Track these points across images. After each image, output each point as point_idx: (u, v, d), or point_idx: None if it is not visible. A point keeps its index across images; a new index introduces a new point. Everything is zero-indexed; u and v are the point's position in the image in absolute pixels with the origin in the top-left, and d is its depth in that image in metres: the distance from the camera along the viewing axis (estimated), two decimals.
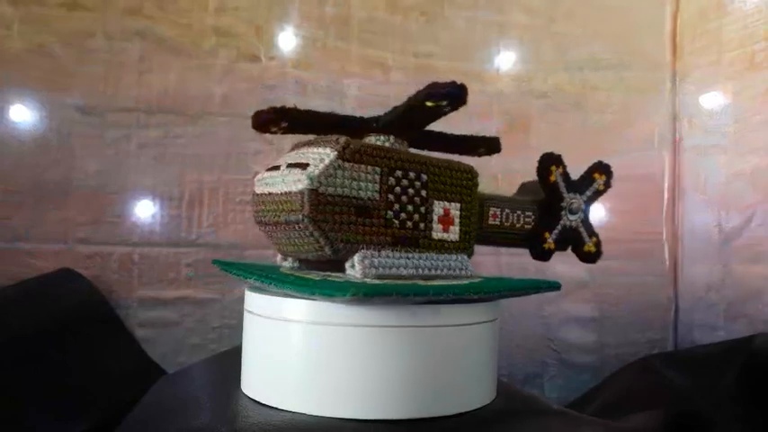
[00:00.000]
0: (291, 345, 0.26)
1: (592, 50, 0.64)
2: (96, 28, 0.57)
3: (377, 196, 0.28)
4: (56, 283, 0.53)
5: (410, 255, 0.29)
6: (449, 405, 0.26)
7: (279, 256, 0.32)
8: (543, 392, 0.62)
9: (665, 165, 0.63)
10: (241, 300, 0.30)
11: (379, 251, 0.28)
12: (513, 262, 0.62)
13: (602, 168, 0.38)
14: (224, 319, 0.58)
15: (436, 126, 0.32)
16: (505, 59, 0.64)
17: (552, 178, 0.35)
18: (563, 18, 0.64)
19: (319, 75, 0.61)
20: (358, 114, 0.31)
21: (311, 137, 0.30)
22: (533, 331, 0.62)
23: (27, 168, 0.56)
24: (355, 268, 0.27)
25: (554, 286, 0.30)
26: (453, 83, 0.27)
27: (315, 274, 0.28)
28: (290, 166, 0.27)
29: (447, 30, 0.63)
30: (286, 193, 0.27)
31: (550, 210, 0.35)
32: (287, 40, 0.61)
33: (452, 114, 0.29)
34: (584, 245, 0.37)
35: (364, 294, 0.23)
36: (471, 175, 0.32)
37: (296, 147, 0.29)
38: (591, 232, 0.37)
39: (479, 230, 0.33)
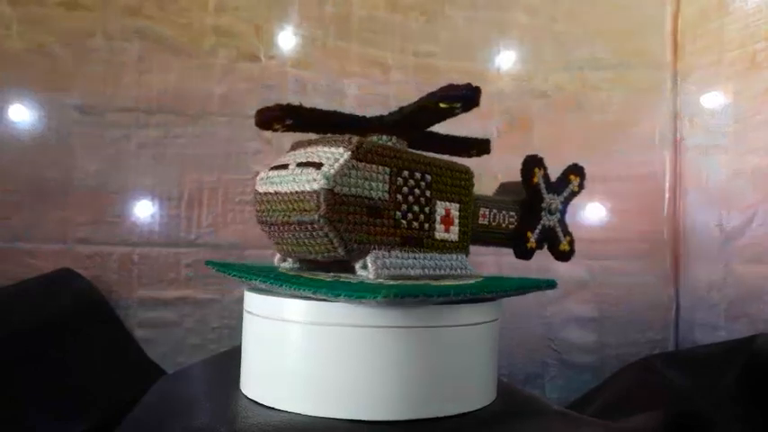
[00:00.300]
0: (291, 345, 0.26)
1: (592, 50, 0.64)
2: (96, 28, 0.57)
3: (387, 196, 0.28)
4: (56, 283, 0.53)
5: (416, 255, 0.30)
6: (449, 405, 0.26)
7: (277, 257, 0.31)
8: (544, 393, 0.61)
9: (666, 164, 0.63)
10: (241, 300, 0.30)
11: (389, 251, 0.28)
12: (514, 262, 0.62)
13: (576, 170, 0.39)
14: (224, 320, 0.58)
15: (434, 126, 0.32)
16: (506, 59, 0.64)
17: (535, 180, 0.36)
18: (564, 17, 0.64)
19: (319, 74, 0.61)
20: (357, 114, 0.31)
21: (310, 136, 0.30)
22: (534, 331, 0.62)
23: (27, 168, 0.56)
24: (368, 269, 0.27)
25: (551, 284, 0.31)
26: (469, 85, 0.27)
27: (323, 275, 0.28)
28: (300, 165, 0.27)
29: (447, 29, 0.63)
30: (299, 192, 0.26)
31: (532, 210, 0.36)
32: (287, 40, 0.61)
33: None
34: (559, 244, 0.38)
35: (395, 295, 0.22)
36: (468, 175, 0.33)
37: (298, 146, 0.29)
38: (566, 232, 0.38)
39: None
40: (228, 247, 0.58)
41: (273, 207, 0.27)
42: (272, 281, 0.26)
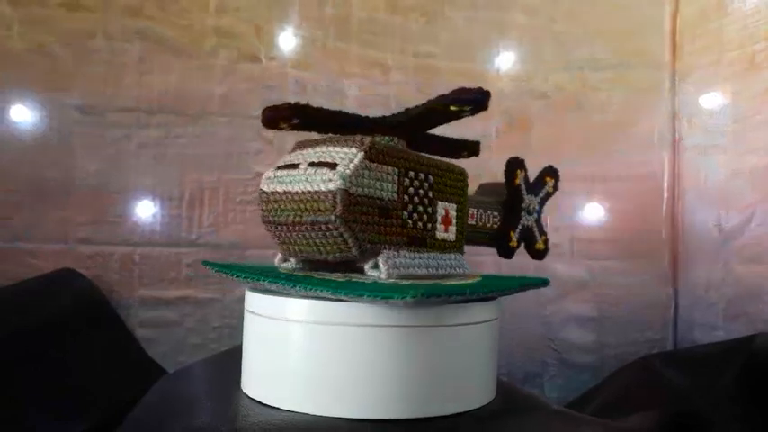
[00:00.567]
0: (291, 345, 0.26)
1: (592, 50, 0.64)
2: (96, 28, 0.57)
3: (395, 197, 0.28)
4: (56, 283, 0.53)
5: (422, 255, 0.30)
6: (448, 405, 0.26)
7: (278, 257, 0.31)
8: (543, 392, 0.62)
9: (664, 164, 0.63)
10: (241, 300, 0.30)
11: (397, 251, 0.28)
12: (513, 261, 0.62)
13: (551, 173, 0.40)
14: (224, 319, 0.58)
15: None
16: (505, 59, 0.64)
17: (517, 181, 0.37)
18: (563, 18, 0.64)
19: (319, 75, 0.61)
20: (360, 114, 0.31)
21: (308, 135, 0.30)
22: (533, 331, 0.62)
23: (28, 168, 0.56)
24: (380, 269, 0.27)
25: (545, 282, 0.32)
26: (480, 89, 0.28)
27: (330, 275, 0.28)
28: (312, 164, 0.27)
29: (447, 30, 0.63)
30: (313, 192, 0.26)
31: (513, 210, 0.37)
32: (287, 41, 0.61)
33: None
34: (536, 243, 0.39)
35: (422, 295, 0.23)
36: (463, 176, 0.33)
37: (304, 145, 0.29)
38: (541, 231, 0.39)
39: None
40: (229, 247, 0.58)
41: (283, 207, 0.27)
42: (284, 281, 0.26)
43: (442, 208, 0.31)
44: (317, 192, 0.26)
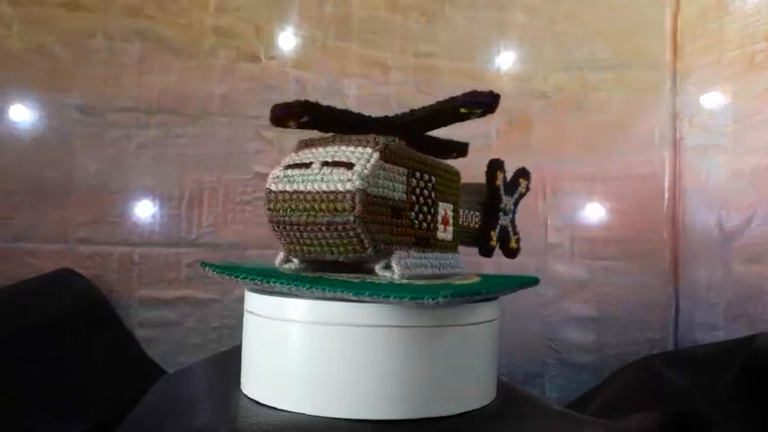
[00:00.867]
0: (291, 345, 0.26)
1: (592, 50, 0.64)
2: (96, 28, 0.57)
3: (404, 197, 0.28)
4: (56, 283, 0.53)
5: (427, 254, 0.30)
6: (449, 405, 0.26)
7: (279, 258, 0.31)
8: (543, 392, 0.62)
9: (665, 164, 0.63)
10: (241, 300, 0.30)
11: (407, 252, 0.29)
12: (513, 261, 0.62)
13: (524, 174, 0.40)
14: (224, 319, 0.58)
15: None
16: (506, 59, 0.64)
17: (497, 182, 0.38)
18: (563, 18, 0.64)
19: (319, 75, 0.61)
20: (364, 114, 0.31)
21: (311, 134, 0.30)
22: (533, 331, 0.62)
23: (28, 168, 0.56)
24: (393, 269, 0.27)
25: (536, 281, 0.33)
26: (491, 92, 0.28)
27: (347, 276, 0.28)
28: (326, 164, 0.26)
29: (447, 30, 0.63)
30: (329, 192, 0.26)
31: (492, 210, 0.38)
32: (287, 40, 0.61)
33: None
34: (509, 242, 0.40)
35: (452, 296, 0.23)
36: (458, 177, 0.34)
37: (311, 144, 0.29)
38: (515, 231, 0.40)
39: None
40: (229, 247, 0.58)
41: (293, 206, 0.27)
42: (297, 283, 0.25)
43: (442, 208, 0.32)
44: (333, 192, 0.25)
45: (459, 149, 0.36)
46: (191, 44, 0.58)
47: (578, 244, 0.63)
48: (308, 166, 0.27)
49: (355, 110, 0.30)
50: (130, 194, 0.57)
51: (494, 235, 0.37)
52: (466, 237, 0.37)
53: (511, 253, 0.40)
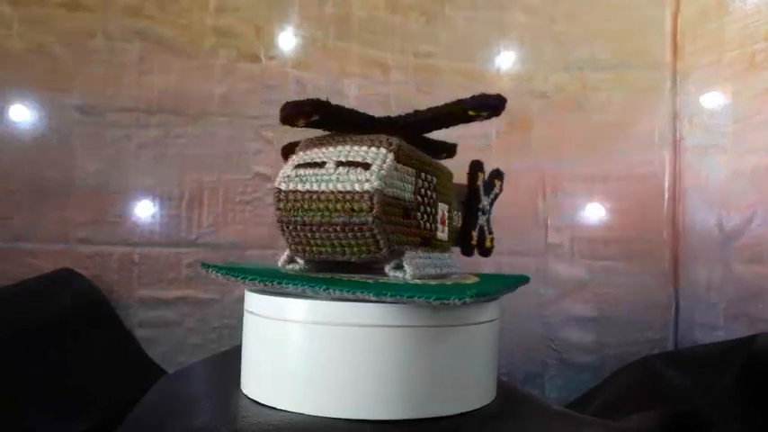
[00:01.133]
0: (291, 345, 0.26)
1: (592, 50, 0.64)
2: (96, 28, 0.57)
3: (413, 198, 0.29)
4: (56, 283, 0.53)
5: (430, 254, 0.30)
6: (449, 405, 0.26)
7: (283, 258, 0.30)
8: (543, 392, 0.62)
9: (665, 164, 0.63)
10: (241, 300, 0.30)
11: (416, 251, 0.29)
12: (513, 261, 0.62)
13: (499, 175, 0.41)
14: (224, 319, 0.58)
15: None
16: (506, 59, 0.64)
17: (478, 183, 0.38)
18: (563, 18, 0.64)
19: (319, 75, 0.61)
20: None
21: (315, 132, 0.30)
22: (533, 331, 0.62)
23: (27, 168, 0.56)
24: (405, 269, 0.27)
25: (527, 279, 0.34)
26: (499, 96, 0.28)
27: (358, 277, 0.28)
28: (341, 164, 0.26)
29: (447, 30, 0.63)
30: (345, 192, 0.25)
31: (471, 210, 0.38)
32: (287, 40, 0.61)
33: None
34: (485, 241, 0.40)
35: (476, 296, 0.23)
36: (452, 177, 0.34)
37: (320, 144, 0.28)
38: (490, 230, 0.41)
39: None
40: (229, 247, 0.58)
41: (306, 206, 0.26)
42: (313, 285, 0.25)
43: (440, 209, 0.32)
44: (350, 192, 0.25)
45: (449, 150, 0.36)
46: (191, 44, 0.58)
47: (578, 244, 0.63)
48: (321, 165, 0.27)
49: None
50: (130, 194, 0.57)
51: (474, 235, 0.38)
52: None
53: (486, 252, 0.40)
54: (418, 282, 0.27)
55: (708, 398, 0.42)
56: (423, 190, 0.29)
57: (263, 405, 0.27)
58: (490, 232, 0.41)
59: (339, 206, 0.26)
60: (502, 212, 0.64)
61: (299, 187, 0.27)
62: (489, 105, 0.28)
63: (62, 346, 0.48)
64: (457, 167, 0.35)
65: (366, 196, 0.25)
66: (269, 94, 0.59)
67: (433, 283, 0.27)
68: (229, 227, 0.59)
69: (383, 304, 0.25)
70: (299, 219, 0.27)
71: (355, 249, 0.27)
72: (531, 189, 0.62)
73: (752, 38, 0.55)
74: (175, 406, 0.32)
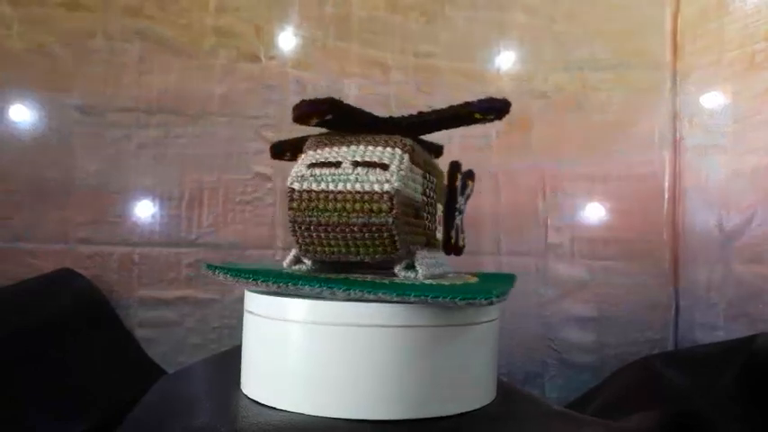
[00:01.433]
0: (291, 345, 0.26)
1: (592, 50, 0.64)
2: (96, 28, 0.57)
3: (421, 198, 0.29)
4: (56, 283, 0.53)
5: (433, 254, 0.31)
6: (449, 405, 0.26)
7: (289, 259, 0.30)
8: (543, 392, 0.62)
9: (665, 164, 0.63)
10: (241, 300, 0.30)
11: (424, 252, 0.29)
12: (513, 261, 0.62)
13: (471, 176, 0.41)
14: (224, 319, 0.58)
15: None
16: (506, 59, 0.64)
17: (456, 183, 0.38)
18: (563, 18, 0.64)
19: (319, 75, 0.61)
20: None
21: (316, 131, 0.30)
22: (533, 331, 0.62)
23: (27, 168, 0.56)
24: (417, 269, 0.28)
25: (514, 277, 0.35)
26: (504, 99, 0.28)
27: (377, 278, 0.28)
28: (357, 164, 0.26)
29: (447, 30, 0.63)
30: (365, 192, 0.25)
31: (450, 210, 0.38)
32: (287, 40, 0.61)
33: None
34: (459, 240, 0.40)
35: (502, 296, 0.23)
36: (443, 178, 0.35)
37: (331, 143, 0.28)
38: (462, 229, 0.41)
39: None
40: (229, 247, 0.58)
41: (323, 206, 0.26)
42: (332, 286, 0.25)
43: (437, 209, 0.32)
44: (369, 192, 0.25)
45: (437, 151, 0.36)
46: (191, 44, 0.58)
47: (578, 244, 0.63)
48: (336, 165, 0.27)
49: None
50: (130, 194, 0.57)
51: (453, 234, 0.38)
52: None
53: (459, 251, 0.41)
54: (432, 282, 0.27)
55: (708, 398, 0.42)
56: (427, 191, 0.30)
57: (263, 405, 0.27)
58: (462, 231, 0.41)
59: (358, 206, 0.25)
60: (502, 212, 0.64)
61: (314, 187, 0.26)
62: (496, 109, 0.28)
63: (62, 346, 0.48)
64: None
65: (386, 197, 0.25)
66: (269, 94, 0.59)
67: (445, 283, 0.27)
68: (229, 227, 0.59)
69: (382, 304, 0.25)
70: (313, 219, 0.26)
71: (371, 250, 0.27)
72: (531, 189, 0.62)
73: (752, 38, 0.55)
74: (175, 406, 0.32)
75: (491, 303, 0.23)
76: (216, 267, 0.29)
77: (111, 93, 0.57)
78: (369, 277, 0.28)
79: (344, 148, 0.27)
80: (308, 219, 0.26)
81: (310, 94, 0.27)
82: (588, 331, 0.62)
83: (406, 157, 0.27)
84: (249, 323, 0.29)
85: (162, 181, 0.58)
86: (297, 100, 0.27)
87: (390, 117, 0.30)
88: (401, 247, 0.26)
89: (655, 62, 0.64)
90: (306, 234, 0.27)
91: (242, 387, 0.29)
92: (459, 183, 0.38)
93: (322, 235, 0.27)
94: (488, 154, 0.61)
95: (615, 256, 0.62)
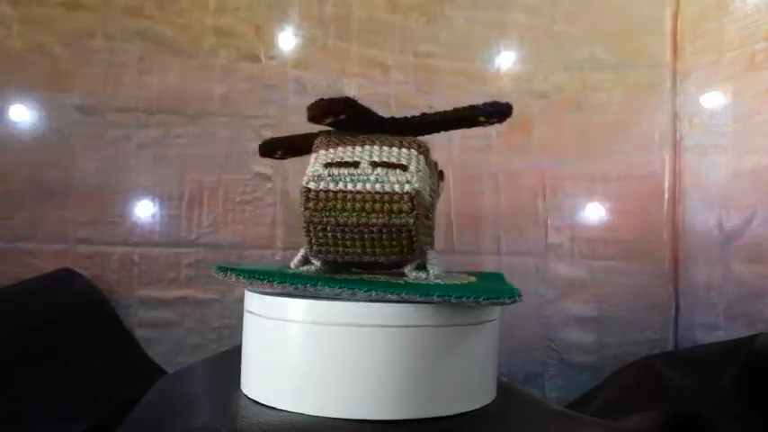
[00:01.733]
0: (291, 345, 0.26)
1: (592, 50, 0.64)
2: (96, 28, 0.57)
3: (430, 199, 0.29)
4: (56, 283, 0.53)
5: (436, 254, 0.31)
6: (449, 405, 0.26)
7: (296, 259, 0.30)
8: (543, 392, 0.62)
9: (665, 165, 0.63)
10: (241, 300, 0.30)
11: (433, 252, 0.29)
12: (513, 261, 0.62)
13: (441, 176, 0.41)
14: (224, 319, 0.58)
15: None
16: (505, 59, 0.64)
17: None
18: (563, 18, 0.64)
19: (319, 75, 0.61)
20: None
21: (314, 129, 0.30)
22: (533, 331, 0.62)
23: (27, 168, 0.56)
24: (429, 270, 0.28)
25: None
26: (508, 103, 0.29)
27: (393, 278, 0.28)
28: (375, 164, 0.26)
29: (447, 30, 0.63)
30: (385, 193, 0.25)
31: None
32: (287, 40, 0.61)
33: None
34: None
35: (520, 295, 0.24)
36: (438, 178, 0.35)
37: (344, 143, 0.28)
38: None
39: None
40: (229, 247, 0.58)
41: (341, 206, 0.26)
42: (354, 286, 0.25)
43: (433, 208, 0.32)
44: (389, 193, 0.25)
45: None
46: (191, 44, 0.58)
47: (578, 244, 0.63)
48: (355, 165, 0.26)
49: None
50: (130, 194, 0.57)
51: None
52: None
53: None
54: (448, 282, 0.27)
55: (708, 398, 0.42)
56: (432, 192, 0.30)
57: (263, 405, 0.27)
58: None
59: (377, 207, 0.25)
60: (502, 212, 0.64)
61: (332, 186, 0.26)
62: (500, 112, 0.29)
63: (62, 346, 0.48)
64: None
65: (406, 197, 0.25)
66: (269, 94, 0.59)
67: (457, 282, 0.27)
68: (229, 227, 0.59)
69: (383, 304, 0.25)
70: (331, 219, 0.26)
71: (387, 251, 0.27)
72: (531, 189, 0.62)
73: (752, 38, 0.55)
74: (175, 406, 0.32)
75: (514, 302, 0.23)
76: (228, 269, 0.28)
77: (111, 93, 0.57)
78: (382, 278, 0.28)
79: (359, 148, 0.27)
80: (324, 219, 0.26)
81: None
82: (588, 331, 0.62)
83: (422, 158, 0.27)
84: (249, 323, 0.29)
85: (162, 181, 0.58)
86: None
87: (393, 117, 0.30)
88: (417, 248, 0.27)
89: (655, 62, 0.64)
90: (321, 235, 0.27)
91: (242, 387, 0.29)
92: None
93: (338, 236, 0.26)
94: (488, 154, 0.61)
95: (615, 256, 0.62)
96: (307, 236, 0.27)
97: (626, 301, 0.62)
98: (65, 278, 0.54)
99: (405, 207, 0.25)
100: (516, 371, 0.61)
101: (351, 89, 0.61)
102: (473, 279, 0.32)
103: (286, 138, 0.32)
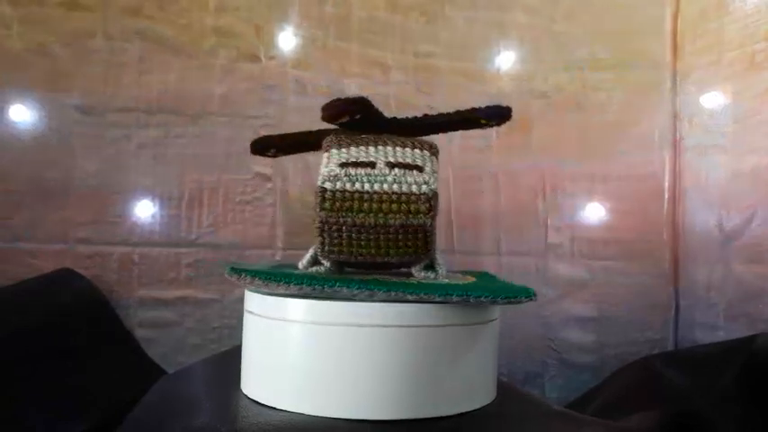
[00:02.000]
0: (291, 345, 0.26)
1: (592, 50, 0.64)
2: (96, 28, 0.57)
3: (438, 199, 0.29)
4: (56, 283, 0.53)
5: (441, 254, 0.31)
6: (449, 405, 0.26)
7: (305, 260, 0.30)
8: (543, 392, 0.62)
9: (665, 165, 0.63)
10: (241, 300, 0.30)
11: (439, 252, 0.29)
12: (513, 261, 0.62)
13: None
14: (224, 319, 0.58)
15: None
16: (506, 59, 0.64)
17: None
18: (563, 18, 0.64)
19: (319, 75, 0.61)
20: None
21: (323, 127, 0.30)
22: (533, 331, 0.62)
23: (27, 168, 0.56)
24: (437, 270, 0.28)
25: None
26: (509, 107, 0.29)
27: (404, 278, 0.28)
28: (392, 165, 0.26)
29: (447, 30, 0.63)
30: (403, 194, 0.26)
31: None
32: (287, 40, 0.61)
33: None
34: None
35: (535, 295, 0.24)
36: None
37: (356, 143, 0.28)
38: None
39: None
40: (229, 247, 0.58)
41: (358, 206, 0.26)
42: (372, 287, 0.25)
43: None
44: (406, 194, 0.26)
45: None
46: (191, 44, 0.58)
47: (578, 244, 0.63)
48: (371, 165, 0.26)
49: None
50: (130, 194, 0.57)
51: None
52: None
53: None
54: (456, 281, 0.27)
55: (708, 398, 0.42)
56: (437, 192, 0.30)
57: (263, 405, 0.27)
58: None
59: (395, 207, 0.26)
60: (502, 212, 0.64)
61: (348, 187, 0.26)
62: (500, 115, 0.29)
63: (62, 346, 0.48)
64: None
65: (423, 198, 0.25)
66: (269, 94, 0.59)
67: (466, 281, 0.27)
68: (229, 227, 0.59)
69: (383, 304, 0.25)
70: (347, 219, 0.26)
71: (402, 251, 0.27)
72: (531, 189, 0.62)
73: (752, 38, 0.55)
74: (175, 406, 0.32)
75: (530, 300, 0.23)
76: (242, 270, 0.28)
77: (110, 93, 0.57)
78: (394, 278, 0.28)
79: (373, 148, 0.27)
80: (340, 219, 0.26)
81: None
82: (588, 331, 0.62)
83: (434, 159, 0.27)
84: (249, 323, 0.29)
85: (162, 181, 0.58)
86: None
87: (396, 118, 0.30)
88: (431, 248, 0.27)
89: (655, 62, 0.64)
90: (335, 235, 0.27)
91: (242, 387, 0.29)
92: None
93: (353, 236, 0.26)
94: (488, 154, 0.61)
95: (615, 256, 0.62)
96: (320, 236, 0.27)
97: (626, 301, 0.62)
98: (65, 278, 0.54)
99: (422, 208, 0.25)
100: (516, 371, 0.61)
101: (351, 89, 0.61)
102: (473, 279, 0.32)
103: (279, 136, 0.32)
